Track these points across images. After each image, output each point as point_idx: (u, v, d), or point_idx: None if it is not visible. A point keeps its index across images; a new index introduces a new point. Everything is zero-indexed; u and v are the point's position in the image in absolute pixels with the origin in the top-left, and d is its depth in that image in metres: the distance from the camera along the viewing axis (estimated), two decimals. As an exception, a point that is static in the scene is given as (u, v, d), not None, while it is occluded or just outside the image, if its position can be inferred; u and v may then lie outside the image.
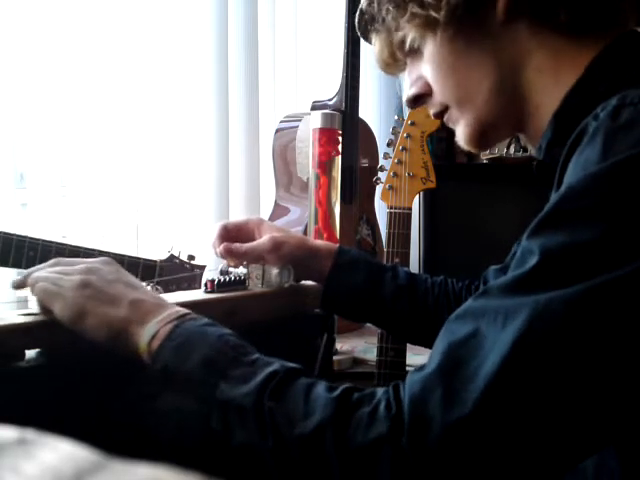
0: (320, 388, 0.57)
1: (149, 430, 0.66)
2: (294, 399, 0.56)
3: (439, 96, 0.73)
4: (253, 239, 0.95)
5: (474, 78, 0.70)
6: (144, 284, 0.73)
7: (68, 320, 0.64)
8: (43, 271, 0.69)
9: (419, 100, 0.77)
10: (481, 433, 0.50)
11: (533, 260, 0.52)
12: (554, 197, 0.55)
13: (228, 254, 0.91)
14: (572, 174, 0.56)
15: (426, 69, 0.73)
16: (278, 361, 0.61)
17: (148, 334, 0.63)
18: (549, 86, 0.67)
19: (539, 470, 0.52)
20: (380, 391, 0.56)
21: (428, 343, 0.58)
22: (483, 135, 0.73)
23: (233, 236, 0.95)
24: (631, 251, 0.50)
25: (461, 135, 0.74)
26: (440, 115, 0.76)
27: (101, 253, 1.12)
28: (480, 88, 0.70)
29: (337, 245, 1.00)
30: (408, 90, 0.77)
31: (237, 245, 0.92)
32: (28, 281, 0.68)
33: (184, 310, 0.67)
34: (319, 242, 1.02)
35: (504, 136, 0.77)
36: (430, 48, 0.71)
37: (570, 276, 0.50)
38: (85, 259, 0.72)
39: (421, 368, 0.55)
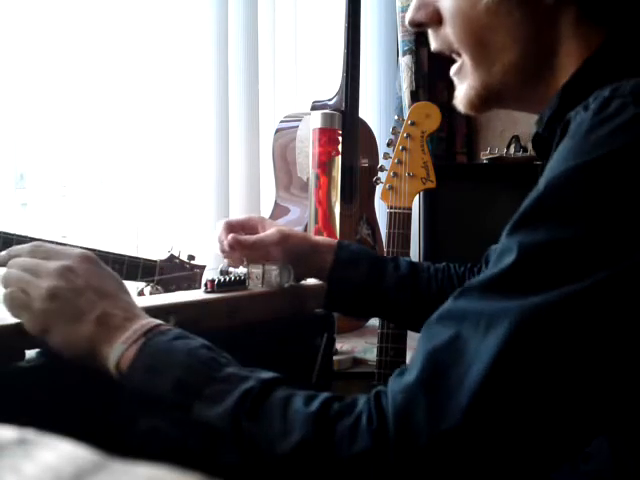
0: (298, 401, 0.55)
1: (149, 430, 0.66)
2: (271, 417, 0.55)
3: (455, 41, 0.68)
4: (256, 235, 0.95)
5: (500, 42, 0.65)
6: (118, 280, 0.68)
7: (35, 334, 0.62)
8: (15, 268, 0.66)
9: (422, 26, 0.71)
10: (469, 445, 0.49)
11: (511, 258, 0.51)
12: (532, 193, 0.54)
13: (237, 245, 0.91)
14: (553, 166, 0.55)
15: (447, 3, 0.67)
16: (253, 373, 0.59)
17: (115, 355, 0.61)
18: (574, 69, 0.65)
19: (525, 476, 0.51)
20: (361, 400, 0.54)
21: None
22: (484, 102, 0.70)
23: (237, 232, 0.94)
24: (612, 250, 0.49)
25: (461, 96, 0.70)
26: (441, 53, 0.72)
27: (101, 253, 1.12)
28: (503, 56, 0.66)
29: (336, 240, 1.00)
30: (414, 11, 0.71)
31: (245, 237, 0.92)
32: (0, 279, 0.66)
33: (153, 321, 0.64)
34: (319, 237, 1.02)
35: (505, 107, 0.75)
36: None
37: (550, 278, 0.50)
38: (64, 250, 0.68)
39: (402, 373, 0.54)
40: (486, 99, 0.69)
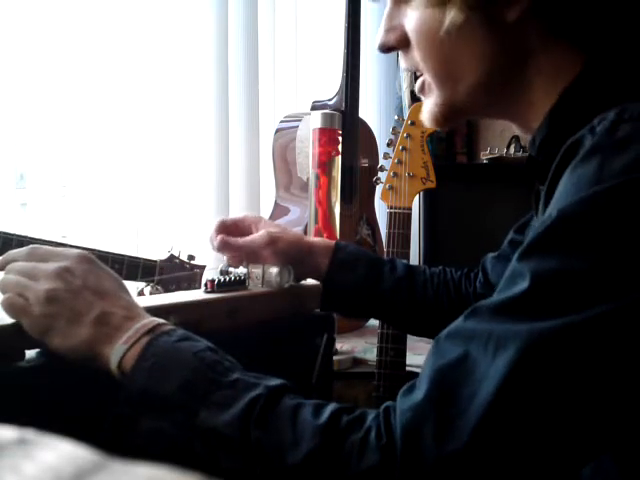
0: (306, 412, 0.55)
1: (150, 431, 0.66)
2: (281, 426, 0.55)
3: (420, 62, 0.68)
4: (250, 235, 0.95)
5: (465, 62, 0.65)
6: (117, 280, 0.68)
7: (36, 337, 0.62)
8: (12, 273, 0.65)
9: (392, 50, 0.72)
10: (475, 465, 0.50)
11: (524, 284, 0.52)
12: (546, 219, 0.54)
13: (224, 247, 0.91)
14: (565, 191, 0.55)
15: (412, 25, 0.67)
16: (259, 379, 0.58)
17: (117, 355, 0.60)
18: (547, 85, 0.65)
19: None
20: (370, 415, 0.55)
21: (430, 334, 0.58)
22: (448, 119, 0.70)
23: (231, 231, 0.94)
24: (623, 282, 0.49)
25: (427, 112, 0.71)
26: (411, 69, 0.72)
27: (100, 253, 1.12)
28: (468, 75, 0.66)
29: (334, 242, 1.00)
30: (384, 35, 0.71)
31: (234, 239, 0.92)
32: None
33: (155, 321, 0.63)
34: (316, 239, 1.02)
35: (467, 119, 0.76)
36: (427, 14, 0.65)
37: (561, 306, 0.50)
38: (61, 251, 0.68)
39: (411, 389, 0.54)
40: (449, 116, 0.70)
